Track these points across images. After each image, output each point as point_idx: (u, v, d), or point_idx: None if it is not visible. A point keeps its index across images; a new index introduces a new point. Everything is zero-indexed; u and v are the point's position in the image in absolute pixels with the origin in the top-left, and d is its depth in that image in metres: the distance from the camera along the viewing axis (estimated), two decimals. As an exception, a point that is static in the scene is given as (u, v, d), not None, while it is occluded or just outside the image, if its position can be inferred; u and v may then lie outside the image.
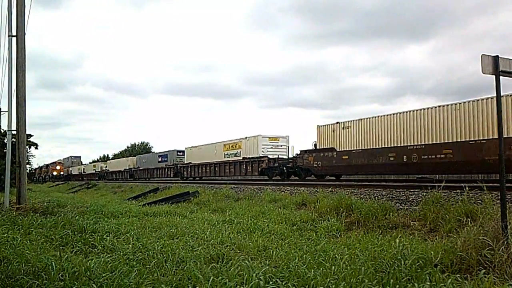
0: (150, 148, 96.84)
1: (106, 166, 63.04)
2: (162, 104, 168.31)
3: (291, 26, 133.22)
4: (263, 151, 27.82)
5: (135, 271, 4.97)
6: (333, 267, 5.00)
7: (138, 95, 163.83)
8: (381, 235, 7.36)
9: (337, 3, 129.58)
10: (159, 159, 44.70)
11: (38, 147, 42.65)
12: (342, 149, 21.66)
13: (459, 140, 16.10)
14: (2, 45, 45.09)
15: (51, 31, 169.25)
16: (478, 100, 15.80)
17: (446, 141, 16.61)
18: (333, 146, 22.36)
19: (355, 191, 12.77)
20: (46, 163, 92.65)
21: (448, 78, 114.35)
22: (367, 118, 20.88)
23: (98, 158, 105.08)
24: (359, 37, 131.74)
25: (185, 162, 38.58)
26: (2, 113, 28.91)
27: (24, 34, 13.08)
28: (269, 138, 28.56)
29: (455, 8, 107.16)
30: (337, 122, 22.60)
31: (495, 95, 5.61)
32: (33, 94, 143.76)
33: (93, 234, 7.76)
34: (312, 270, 4.81)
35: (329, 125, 23.01)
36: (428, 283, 4.34)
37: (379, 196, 11.12)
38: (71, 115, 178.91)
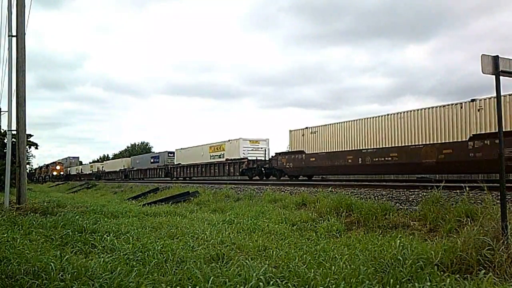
0: (150, 148, 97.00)
1: (102, 167, 64.28)
2: (162, 104, 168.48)
3: (291, 26, 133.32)
4: (243, 153, 30.10)
5: (135, 271, 4.97)
6: (333, 267, 5.00)
7: (138, 95, 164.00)
8: (381, 235, 7.36)
9: (337, 3, 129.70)
10: (152, 160, 46.51)
11: (38, 147, 42.65)
12: (310, 152, 24.05)
13: (402, 145, 18.75)
14: (2, 45, 45.13)
15: (51, 31, 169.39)
16: (419, 110, 18.59)
17: (393, 145, 19.24)
18: (302, 149, 24.66)
19: (355, 191, 12.77)
20: (46, 163, 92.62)
21: (448, 78, 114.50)
22: (331, 124, 23.34)
23: (98, 158, 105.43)
24: (359, 37, 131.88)
25: (175, 163, 40.66)
26: (2, 113, 28.97)
27: (24, 34, 13.08)
28: (250, 141, 30.99)
29: (455, 8, 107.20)
30: (306, 127, 24.94)
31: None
32: (33, 94, 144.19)
33: (93, 234, 7.76)
34: (312, 270, 4.80)
35: (300, 129, 25.47)
36: (428, 283, 4.34)
37: (379, 196, 11.12)
38: (71, 115, 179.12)
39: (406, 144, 18.53)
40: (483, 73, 5.45)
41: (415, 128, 18.36)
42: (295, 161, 24.99)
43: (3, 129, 28.30)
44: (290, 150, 26.31)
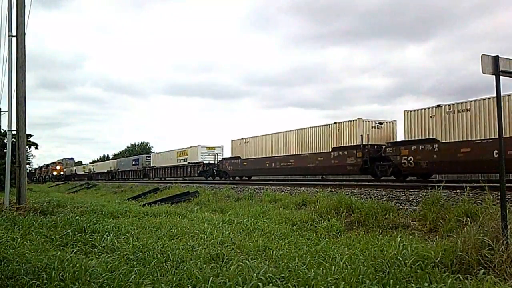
0: (150, 148, 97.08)
1: (93, 168, 69.74)
2: (162, 104, 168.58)
3: (291, 26, 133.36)
4: (201, 158, 36.66)
5: (135, 271, 4.97)
6: (333, 267, 5.00)
7: (138, 95, 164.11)
8: (381, 235, 7.36)
9: (337, 3, 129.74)
10: (133, 163, 52.52)
11: (38, 147, 42.83)
12: (244, 158, 30.80)
13: (298, 153, 25.59)
14: (2, 45, 45.16)
15: (51, 31, 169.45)
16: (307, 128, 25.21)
17: (292, 153, 26.08)
18: (239, 155, 31.46)
19: (355, 191, 12.77)
20: (46, 163, 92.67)
21: (447, 78, 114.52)
22: (258, 136, 30.33)
23: (98, 158, 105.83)
24: (359, 37, 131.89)
25: (151, 165, 46.94)
26: (2, 113, 28.99)
27: (24, 34, 13.08)
28: (207, 147, 37.69)
29: (454, 8, 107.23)
30: (242, 138, 31.81)
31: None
32: (33, 94, 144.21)
33: (93, 234, 7.76)
34: (312, 270, 4.81)
35: (238, 139, 32.24)
36: (428, 283, 4.34)
37: (379, 196, 11.12)
38: (71, 115, 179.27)
39: (300, 153, 25.46)
40: (483, 73, 5.44)
41: (308, 141, 25.15)
42: (234, 165, 32.04)
43: (3, 129, 28.33)
44: (231, 156, 32.92)
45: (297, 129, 26.03)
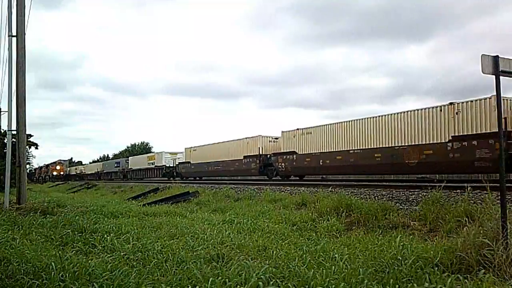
0: (150, 148, 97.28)
1: (84, 169, 75.80)
2: (162, 104, 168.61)
3: (291, 26, 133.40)
4: (165, 162, 44.03)
5: (135, 271, 4.97)
6: (333, 267, 5.00)
7: (138, 95, 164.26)
8: (381, 235, 7.36)
9: (336, 4, 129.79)
10: (115, 165, 59.14)
11: (38, 147, 42.83)
12: (194, 162, 37.30)
13: (224, 159, 32.41)
14: (2, 45, 45.15)
15: (51, 31, 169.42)
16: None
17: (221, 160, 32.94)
18: (189, 160, 38.42)
19: (355, 191, 12.77)
20: (46, 163, 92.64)
21: (447, 78, 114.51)
22: (201, 146, 36.83)
23: (98, 158, 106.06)
24: (359, 38, 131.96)
25: (129, 167, 53.74)
26: (2, 113, 28.95)
27: (24, 34, 13.08)
28: (170, 153, 44.89)
29: (454, 8, 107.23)
30: (191, 147, 38.62)
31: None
32: (33, 94, 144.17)
33: (93, 234, 7.76)
34: (312, 270, 4.80)
35: (188, 148, 39.26)
36: (428, 283, 4.34)
37: (379, 196, 11.12)
38: (71, 115, 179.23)
39: (226, 159, 32.46)
40: (483, 73, 5.44)
41: (228, 150, 32.38)
42: (186, 168, 39.17)
43: (3, 129, 28.29)
44: (184, 161, 40.20)
45: (223, 142, 33.84)
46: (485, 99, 14.98)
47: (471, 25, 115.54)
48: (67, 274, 4.71)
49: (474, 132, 15.17)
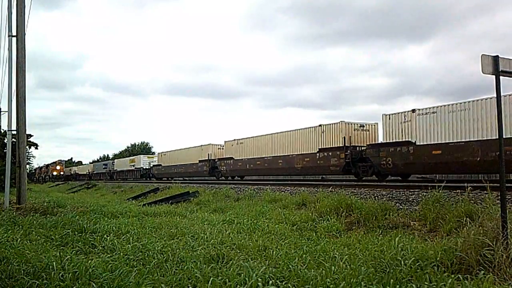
0: (150, 148, 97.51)
1: (77, 170, 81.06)
2: (162, 104, 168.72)
3: (290, 26, 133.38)
4: (142, 164, 50.47)
5: (135, 271, 4.97)
6: (333, 267, 5.00)
7: (138, 95, 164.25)
8: (381, 235, 7.36)
9: (336, 4, 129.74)
10: (103, 167, 65.88)
11: (38, 147, 42.73)
12: (165, 165, 44.06)
13: (184, 163, 39.63)
14: (2, 45, 45.19)
15: (51, 31, 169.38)
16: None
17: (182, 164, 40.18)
18: (161, 163, 45.53)
19: (355, 191, 12.77)
20: (46, 163, 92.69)
21: (447, 78, 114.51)
22: (174, 150, 43.38)
23: (98, 158, 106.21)
24: (358, 38, 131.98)
25: (115, 169, 60.00)
26: (2, 113, 28.92)
27: (24, 34, 13.07)
28: (147, 157, 52.83)
29: (453, 8, 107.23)
30: (162, 152, 46.22)
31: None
32: (33, 94, 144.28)
33: (93, 234, 7.76)
34: (312, 270, 4.81)
35: (161, 152, 46.95)
36: (428, 283, 4.34)
37: (379, 196, 11.12)
38: (71, 115, 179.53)
39: (186, 163, 39.66)
40: (483, 73, 5.44)
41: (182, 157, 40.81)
42: (158, 169, 45.76)
43: (3, 129, 28.27)
44: (157, 164, 46.82)
45: (186, 148, 40.65)
46: (336, 123, 22.41)
47: (471, 25, 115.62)
48: (67, 274, 4.71)
49: (329, 146, 22.45)
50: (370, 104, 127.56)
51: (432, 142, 16.97)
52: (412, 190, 11.65)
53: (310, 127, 24.37)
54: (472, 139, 15.44)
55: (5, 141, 17.87)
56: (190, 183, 24.71)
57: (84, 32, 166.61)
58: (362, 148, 21.25)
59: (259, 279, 4.49)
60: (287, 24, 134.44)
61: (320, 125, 23.54)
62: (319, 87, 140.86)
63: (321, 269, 4.92)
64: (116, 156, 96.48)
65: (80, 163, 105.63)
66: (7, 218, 9.47)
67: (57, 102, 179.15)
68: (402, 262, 5.02)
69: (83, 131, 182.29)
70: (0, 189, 19.02)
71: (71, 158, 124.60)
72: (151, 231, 8.29)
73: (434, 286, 4.27)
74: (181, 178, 34.04)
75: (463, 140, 15.78)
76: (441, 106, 17.14)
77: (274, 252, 6.18)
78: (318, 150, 23.35)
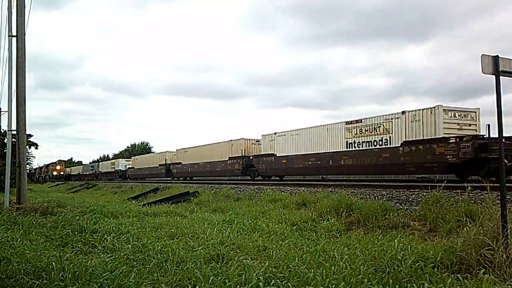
0: (150, 148, 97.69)
1: (70, 171, 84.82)
2: (162, 104, 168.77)
3: (290, 26, 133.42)
4: (121, 166, 57.11)
5: (135, 271, 4.97)
6: (333, 267, 5.00)
7: (138, 95, 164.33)
8: (381, 235, 7.36)
9: (335, 4, 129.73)
10: (91, 168, 72.40)
11: (38, 147, 42.73)
12: (137, 167, 51.09)
13: (150, 166, 47.41)
14: (2, 45, 45.20)
15: (51, 31, 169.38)
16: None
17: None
18: (133, 166, 52.30)
19: (355, 191, 12.77)
20: (46, 163, 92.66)
21: (446, 79, 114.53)
22: (143, 155, 52.42)
23: (98, 158, 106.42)
24: (358, 38, 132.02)
25: (99, 170, 65.35)
26: (2, 113, 28.89)
27: (24, 34, 13.08)
28: (125, 160, 60.49)
29: (453, 9, 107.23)
30: (135, 157, 54.11)
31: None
32: (33, 94, 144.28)
33: (93, 234, 7.76)
34: (312, 270, 4.80)
35: (134, 157, 55.17)
36: (428, 283, 4.34)
37: (379, 196, 11.12)
38: (71, 115, 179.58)
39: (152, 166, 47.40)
40: (483, 73, 5.44)
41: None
42: (131, 171, 52.71)
43: (3, 129, 28.25)
44: (131, 166, 53.84)
45: (150, 154, 49.30)
46: (239, 139, 31.24)
47: (470, 25, 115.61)
48: (67, 274, 4.71)
49: (235, 156, 31.06)
50: (370, 104, 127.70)
51: (283, 155, 25.90)
52: (412, 190, 11.64)
53: (223, 142, 33.20)
54: (299, 153, 24.42)
55: (5, 141, 17.86)
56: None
57: (84, 32, 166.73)
58: (251, 157, 29.55)
59: (259, 279, 4.49)
60: (287, 24, 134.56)
61: (230, 140, 32.20)
62: (319, 87, 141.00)
63: (321, 269, 4.91)
64: (116, 156, 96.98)
65: (80, 163, 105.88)
66: (7, 218, 9.48)
67: (57, 102, 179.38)
68: (402, 262, 5.02)
69: (83, 131, 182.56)
70: (0, 189, 19.02)
71: (71, 158, 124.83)
72: (151, 231, 8.29)
73: (434, 286, 4.27)
74: (149, 179, 45.60)
75: (295, 153, 24.80)
76: (288, 131, 25.99)
77: (274, 252, 6.17)
78: (228, 158, 31.88)
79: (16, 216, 9.86)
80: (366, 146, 19.85)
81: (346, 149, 20.93)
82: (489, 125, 14.34)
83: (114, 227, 8.46)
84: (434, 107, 17.00)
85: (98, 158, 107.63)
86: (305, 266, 5.12)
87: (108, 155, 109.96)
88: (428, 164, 16.90)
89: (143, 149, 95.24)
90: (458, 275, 4.53)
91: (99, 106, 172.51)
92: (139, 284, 4.55)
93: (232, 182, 25.12)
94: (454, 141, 15.71)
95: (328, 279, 4.49)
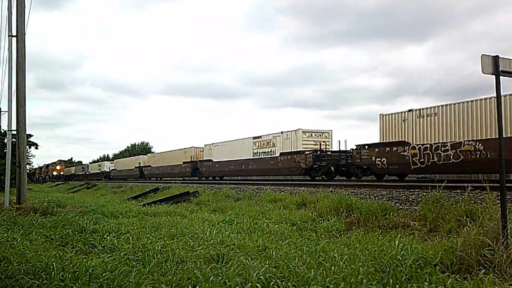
0: (150, 148, 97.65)
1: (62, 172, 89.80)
2: (162, 104, 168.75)
3: (289, 26, 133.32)
4: (106, 168, 62.70)
5: (135, 271, 4.97)
6: (333, 267, 4.99)
7: (138, 95, 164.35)
8: (381, 235, 7.36)
9: (335, 4, 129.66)
10: (81, 169, 77.36)
11: (38, 147, 42.93)
12: (118, 169, 57.48)
13: (128, 168, 55.42)
14: (2, 45, 45.17)
15: (51, 31, 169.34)
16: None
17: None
18: (115, 168, 59.17)
19: (355, 191, 12.77)
20: (46, 163, 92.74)
21: (446, 79, 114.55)
22: (124, 158, 60.76)
23: (98, 158, 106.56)
24: (358, 38, 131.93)
25: (88, 171, 71.00)
26: (2, 113, 28.89)
27: (24, 34, 13.08)
28: (110, 162, 66.41)
29: (453, 9, 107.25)
30: (116, 160, 61.81)
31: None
32: (33, 95, 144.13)
33: (93, 234, 7.76)
34: (312, 270, 4.80)
35: (116, 160, 61.12)
36: (428, 283, 4.34)
37: (379, 196, 11.12)
38: (70, 115, 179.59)
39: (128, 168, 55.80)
40: (483, 73, 5.44)
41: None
42: (114, 173, 58.70)
43: (3, 129, 28.28)
44: (113, 168, 60.02)
45: (130, 157, 52.85)
46: (189, 147, 39.57)
47: (470, 26, 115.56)
48: (67, 274, 4.71)
49: (186, 160, 39.22)
50: (369, 104, 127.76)
51: (217, 161, 33.67)
52: (412, 190, 11.64)
53: (180, 149, 41.27)
54: (225, 160, 32.40)
55: (5, 141, 17.87)
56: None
57: (84, 32, 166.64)
58: (197, 162, 37.10)
59: (259, 279, 4.49)
60: (286, 24, 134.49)
61: (184, 148, 40.35)
62: (319, 87, 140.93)
63: (321, 269, 4.91)
64: (116, 156, 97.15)
65: (80, 163, 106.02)
66: (7, 218, 9.48)
67: (57, 102, 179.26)
68: (402, 262, 5.02)
69: (83, 131, 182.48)
70: (0, 189, 19.02)
71: (71, 158, 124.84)
72: (151, 231, 8.29)
73: (434, 286, 4.26)
74: (128, 179, 50.96)
75: (223, 160, 32.68)
76: (220, 143, 33.81)
77: (274, 252, 6.17)
78: (182, 162, 39.61)
79: (16, 216, 9.86)
80: (262, 156, 28.35)
81: (251, 157, 29.28)
82: (339, 141, 23.19)
83: (114, 227, 8.46)
84: (297, 130, 25.38)
85: (98, 158, 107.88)
86: (305, 266, 5.12)
87: (108, 155, 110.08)
88: (293, 168, 24.90)
89: (143, 149, 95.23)
90: (458, 275, 4.53)
91: (99, 106, 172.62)
92: (139, 284, 4.55)
93: (231, 182, 25.40)
94: (305, 153, 24.02)
95: (328, 279, 4.48)
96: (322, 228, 8.42)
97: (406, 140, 18.24)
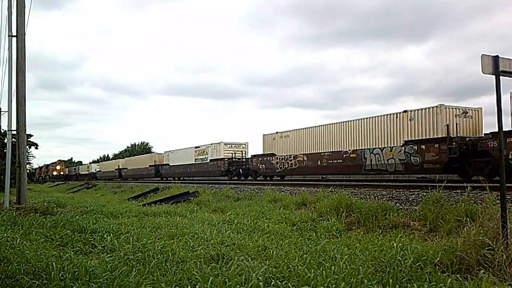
0: (150, 148, 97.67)
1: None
2: (162, 104, 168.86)
3: (289, 27, 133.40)
4: (93, 170, 68.71)
5: (135, 271, 4.97)
6: (333, 267, 5.00)
7: (138, 95, 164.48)
8: (381, 235, 7.36)
9: (335, 4, 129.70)
10: (73, 170, 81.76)
11: (38, 147, 42.91)
12: (103, 170, 65.87)
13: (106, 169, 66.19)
14: (2, 45, 45.17)
15: (51, 31, 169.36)
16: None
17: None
18: (101, 169, 68.02)
19: (355, 191, 12.76)
20: (46, 163, 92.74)
21: (445, 79, 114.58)
22: (109, 160, 72.35)
23: (98, 158, 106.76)
24: (357, 38, 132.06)
25: (79, 172, 75.49)
26: (2, 113, 28.87)
27: (24, 34, 13.07)
28: (97, 164, 72.50)
29: (452, 9, 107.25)
30: (101, 162, 74.22)
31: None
32: (33, 95, 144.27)
33: (93, 234, 7.76)
34: (312, 270, 4.80)
35: (101, 162, 73.25)
36: (428, 283, 4.34)
37: (379, 196, 11.12)
38: (70, 115, 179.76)
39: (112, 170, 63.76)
40: (483, 73, 5.44)
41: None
42: (100, 174, 64.19)
43: (3, 129, 28.25)
44: (99, 169, 67.05)
45: (112, 160, 61.89)
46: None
47: (470, 26, 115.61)
48: (67, 274, 4.71)
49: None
50: (369, 104, 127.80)
51: (172, 164, 42.65)
52: (412, 190, 11.64)
53: (148, 154, 50.46)
54: (177, 164, 41.65)
55: (5, 141, 17.86)
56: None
57: (84, 32, 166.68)
58: (160, 165, 46.16)
59: (260, 278, 4.49)
60: (286, 25, 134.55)
61: (150, 153, 46.74)
62: (319, 87, 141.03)
63: (321, 269, 4.91)
64: (116, 156, 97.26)
65: (80, 163, 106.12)
66: (7, 218, 9.47)
67: (57, 102, 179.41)
68: (402, 262, 5.02)
69: (83, 131, 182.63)
70: (0, 189, 19.02)
71: (71, 158, 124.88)
72: (151, 231, 8.29)
73: (434, 286, 4.27)
74: (109, 179, 56.24)
75: (176, 164, 41.87)
76: (175, 150, 42.96)
77: (274, 252, 6.17)
78: (148, 165, 48.30)
79: (16, 216, 9.85)
80: (200, 161, 37.35)
81: (193, 162, 38.43)
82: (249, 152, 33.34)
83: (114, 227, 8.46)
84: (219, 143, 34.48)
85: (98, 158, 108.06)
86: (305, 266, 5.12)
87: (108, 155, 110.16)
88: (217, 171, 34.29)
89: (143, 149, 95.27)
90: (458, 275, 4.53)
91: (99, 106, 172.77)
92: (139, 284, 4.55)
93: (232, 182, 25.28)
94: (223, 160, 33.49)
95: (328, 279, 4.48)
96: (322, 228, 8.41)
97: (274, 153, 27.77)
